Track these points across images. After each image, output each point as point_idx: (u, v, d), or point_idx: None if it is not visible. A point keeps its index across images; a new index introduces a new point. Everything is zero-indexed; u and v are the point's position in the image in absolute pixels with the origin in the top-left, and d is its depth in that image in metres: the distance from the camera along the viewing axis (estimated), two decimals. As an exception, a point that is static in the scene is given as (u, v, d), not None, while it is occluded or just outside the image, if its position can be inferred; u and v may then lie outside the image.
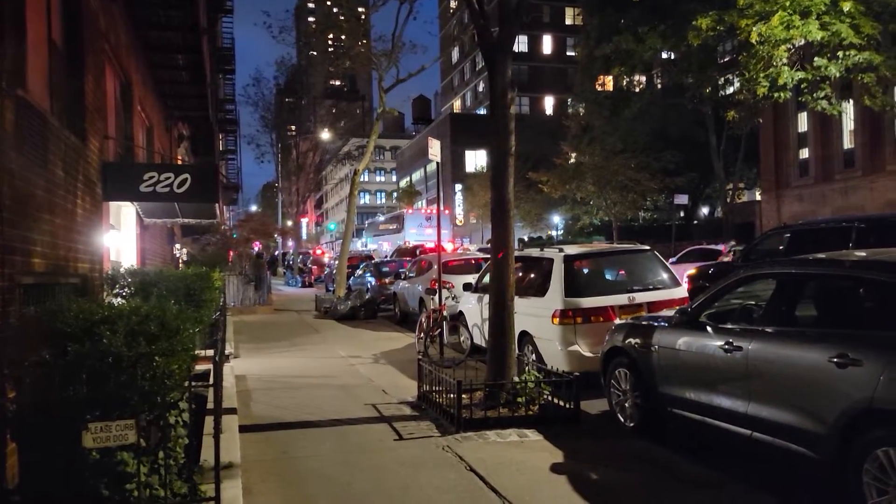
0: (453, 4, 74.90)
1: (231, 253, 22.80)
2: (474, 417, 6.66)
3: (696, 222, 44.33)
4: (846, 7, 13.73)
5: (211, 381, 5.21)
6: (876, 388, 4.09)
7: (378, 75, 20.78)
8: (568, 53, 62.77)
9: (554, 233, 41.96)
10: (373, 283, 19.81)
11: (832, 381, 4.36)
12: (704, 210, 47.57)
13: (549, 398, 7.11)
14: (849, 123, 25.30)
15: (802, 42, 15.65)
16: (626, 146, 31.21)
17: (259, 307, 20.71)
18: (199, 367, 5.79)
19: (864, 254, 5.55)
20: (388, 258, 26.51)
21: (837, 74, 15.13)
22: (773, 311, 5.34)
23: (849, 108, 23.16)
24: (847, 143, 26.09)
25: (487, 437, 6.26)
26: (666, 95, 35.29)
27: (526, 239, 39.51)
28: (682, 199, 32.26)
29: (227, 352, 10.23)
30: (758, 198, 33.91)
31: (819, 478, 4.59)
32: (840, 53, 14.77)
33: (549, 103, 68.03)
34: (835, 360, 4.34)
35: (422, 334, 11.15)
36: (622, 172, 30.41)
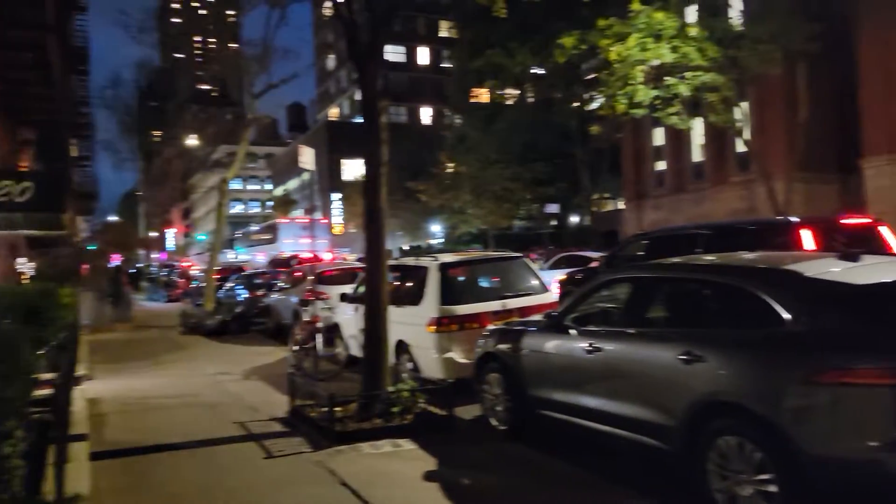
0: (327, 12, 74.21)
1: (85, 266, 21.15)
2: (347, 430, 6.56)
3: (566, 230, 46.46)
4: (692, 32, 14.98)
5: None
6: (717, 381, 4.44)
7: (248, 80, 20.13)
8: (443, 65, 63.86)
9: (433, 241, 42.48)
10: (245, 295, 19.09)
11: (680, 377, 4.67)
12: (575, 218, 49.96)
13: (425, 407, 7.13)
14: (698, 139, 27.51)
15: (657, 63, 16.89)
16: (500, 157, 32.21)
17: (118, 325, 19.34)
18: (44, 392, 5.30)
19: (707, 258, 6.02)
20: (262, 269, 25.66)
21: (687, 93, 16.45)
22: (628, 313, 5.67)
23: (698, 125, 25.20)
24: (697, 156, 28.34)
25: (361, 450, 6.18)
26: (537, 109, 36.81)
27: (406, 248, 39.72)
28: (553, 208, 33.75)
29: (78, 373, 9.46)
30: (621, 206, 36.05)
31: (673, 468, 4.88)
32: (689, 74, 16.07)
33: (426, 113, 68.88)
34: (682, 357, 4.64)
35: (296, 347, 10.86)
36: (497, 182, 31.35)
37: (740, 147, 22.80)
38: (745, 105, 22.70)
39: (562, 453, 5.92)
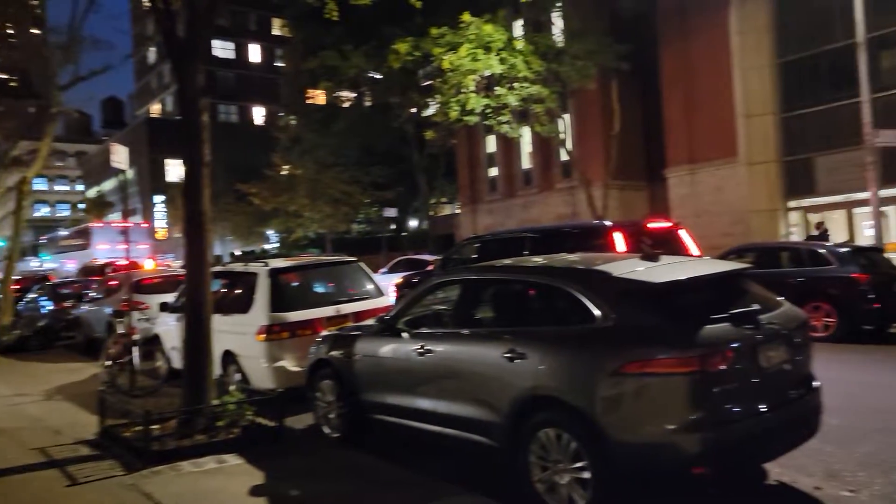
0: (145, 1, 69.17)
1: None
2: (166, 449, 6.10)
3: (405, 234, 46.98)
4: (519, 45, 15.79)
5: None
6: (537, 377, 4.67)
7: (52, 71, 18.18)
8: (277, 64, 61.99)
9: (268, 246, 41.05)
10: (49, 307, 17.23)
11: (505, 374, 4.86)
12: (413, 222, 50.64)
13: (253, 419, 6.82)
14: (527, 147, 29.05)
15: (488, 73, 17.62)
16: (337, 160, 31.86)
17: None
18: None
19: (528, 260, 6.32)
20: (71, 278, 23.32)
21: (515, 103, 17.31)
22: (458, 314, 5.81)
23: (527, 133, 26.60)
24: (526, 163, 29.90)
25: (181, 469, 5.77)
26: (375, 112, 36.87)
27: (238, 253, 37.98)
28: (391, 212, 33.93)
29: None
30: (458, 211, 37.11)
31: (500, 464, 5.05)
32: (516, 85, 16.92)
33: (259, 113, 66.46)
34: (507, 355, 4.83)
35: (109, 362, 9.96)
36: (334, 185, 30.98)
37: (564, 156, 24.36)
38: (567, 117, 24.31)
39: (395, 457, 5.92)
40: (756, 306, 4.54)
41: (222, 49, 62.80)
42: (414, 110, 28.97)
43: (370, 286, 9.30)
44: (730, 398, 4.16)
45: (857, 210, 18.96)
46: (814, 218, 20.41)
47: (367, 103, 38.08)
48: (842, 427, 5.83)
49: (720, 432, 4.10)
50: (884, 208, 16.58)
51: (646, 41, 22.51)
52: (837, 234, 19.77)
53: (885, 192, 16.35)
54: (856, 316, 11.17)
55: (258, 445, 6.31)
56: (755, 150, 20.63)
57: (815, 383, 4.82)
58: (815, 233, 15.49)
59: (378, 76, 30.24)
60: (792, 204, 20.84)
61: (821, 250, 12.25)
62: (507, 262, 6.18)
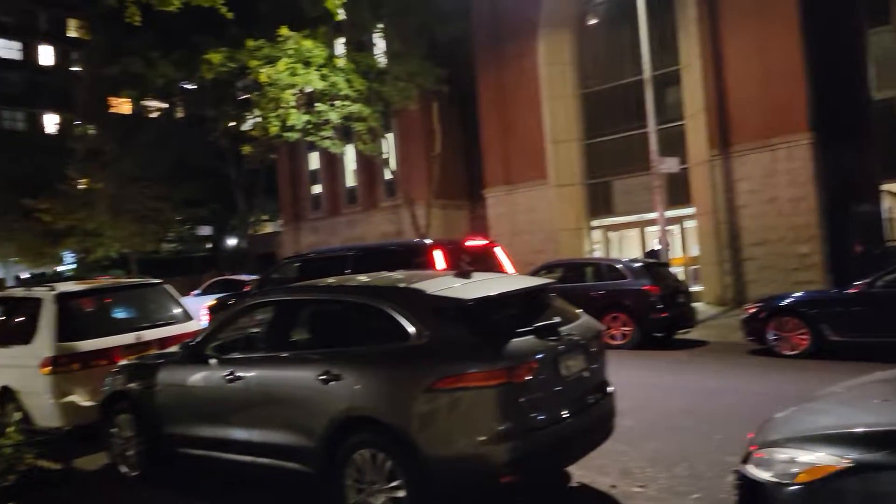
0: None
1: None
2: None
3: (222, 253, 44.69)
4: (340, 63, 15.73)
5: None
6: (353, 397, 4.59)
7: None
8: (74, 68, 56.44)
9: (62, 268, 37.00)
10: None
11: (320, 397, 4.72)
12: (232, 241, 48.36)
13: (34, 462, 6.02)
14: (351, 164, 28.99)
15: (309, 88, 17.34)
16: (144, 174, 29.55)
17: None
18: None
19: (343, 279, 6.24)
20: None
21: (337, 120, 17.19)
22: (271, 337, 5.57)
23: (352, 151, 26.53)
24: (350, 181, 29.82)
25: (-62, 530, 4.94)
26: (188, 124, 34.78)
27: (25, 276, 33.86)
28: (206, 231, 32.09)
29: None
30: (280, 229, 36.05)
31: (317, 492, 4.88)
32: (338, 102, 16.83)
33: (52, 121, 59.94)
34: (321, 377, 4.70)
35: None
36: (140, 201, 28.69)
37: (389, 175, 24.64)
38: (390, 136, 24.65)
39: (202, 493, 5.52)
40: (558, 319, 4.82)
41: (5, 49, 56.05)
42: (232, 124, 27.72)
43: (177, 310, 8.66)
44: (535, 407, 4.36)
45: (648, 228, 21.08)
46: (626, 233, 22.42)
47: (180, 114, 35.91)
48: (634, 427, 6.37)
49: (527, 440, 4.28)
50: (669, 227, 18.58)
51: (465, 66, 23.50)
52: (632, 251, 21.85)
53: (670, 213, 18.34)
54: (648, 324, 12.37)
55: (40, 491, 5.58)
56: (563, 173, 22.25)
57: (609, 388, 5.21)
58: (657, 247, 16.52)
59: (190, 86, 28.61)
60: (594, 223, 22.71)
61: (617, 265, 13.43)
62: (323, 281, 6.06)
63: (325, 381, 4.68)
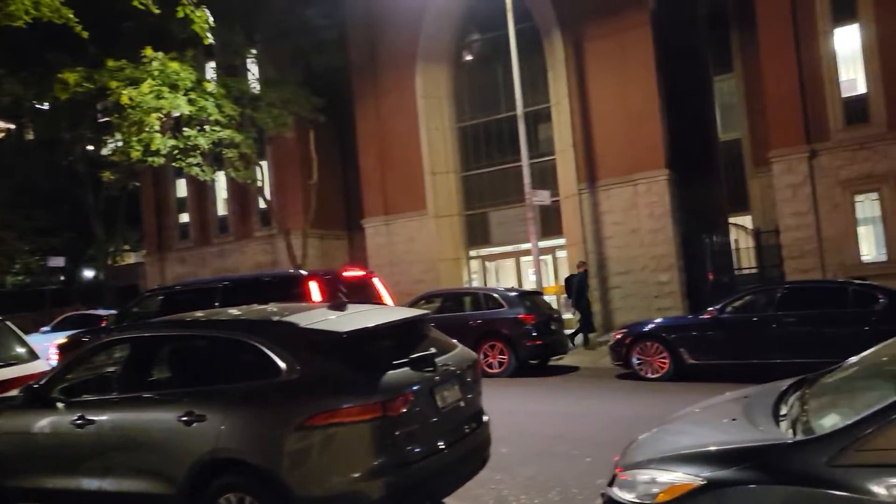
0: None
1: None
2: None
3: (78, 286, 41.32)
4: (210, 88, 15.14)
5: None
6: (218, 439, 4.31)
7: None
8: None
9: None
10: None
11: (181, 439, 4.41)
12: (89, 273, 44.85)
13: None
14: (223, 192, 27.87)
15: (176, 113, 16.54)
16: (-14, 200, 26.91)
17: None
18: None
19: (210, 313, 5.91)
20: None
21: (206, 146, 16.48)
22: (128, 377, 5.18)
23: (223, 178, 25.53)
24: (222, 210, 28.62)
25: None
26: (37, 147, 32.03)
27: None
28: (58, 262, 29.50)
29: None
30: (143, 260, 33.90)
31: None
32: (207, 127, 16.15)
33: None
34: (183, 418, 4.40)
35: None
36: (-20, 230, 26.05)
37: (262, 203, 23.95)
38: (265, 164, 23.99)
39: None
40: (433, 350, 4.80)
41: None
42: (90, 147, 25.87)
43: (20, 349, 7.86)
44: (411, 440, 4.29)
45: (523, 258, 21.77)
46: (503, 263, 22.96)
47: (30, 136, 33.09)
48: (509, 454, 6.45)
49: (403, 475, 4.19)
50: (543, 257, 19.29)
51: (343, 95, 23.43)
52: (507, 281, 22.46)
53: (544, 244, 19.07)
54: (523, 352, 12.69)
55: None
56: (441, 204, 22.59)
57: (485, 417, 5.24)
58: (579, 271, 16.81)
59: (43, 107, 26.45)
60: (473, 253, 23.16)
61: (494, 294, 13.74)
62: (188, 315, 5.70)
63: (188, 423, 4.38)
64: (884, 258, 16.26)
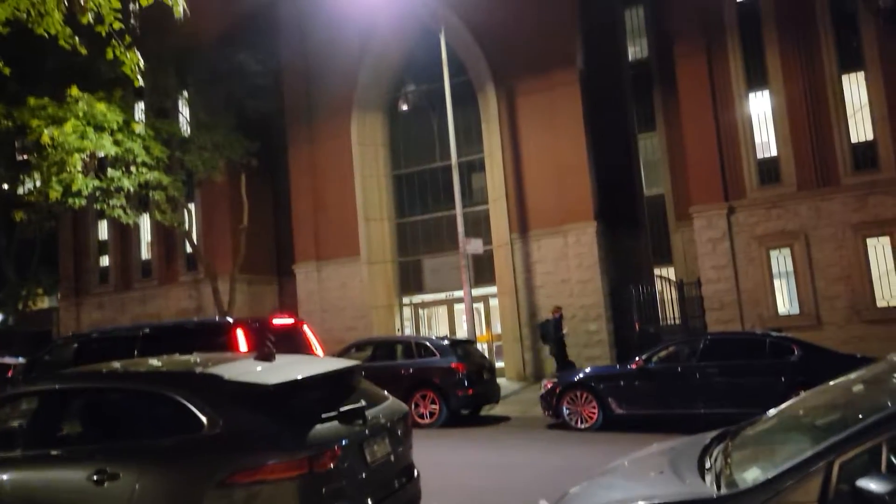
0: None
1: None
2: None
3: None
4: (138, 129, 14.76)
5: None
6: (132, 498, 4.05)
7: None
8: None
9: None
10: None
11: (93, 500, 4.13)
12: (-3, 318, 42.14)
13: None
14: (147, 235, 26.94)
15: (101, 153, 16.00)
16: None
17: None
18: None
19: (127, 364, 5.63)
20: None
21: (131, 188, 15.96)
22: (35, 432, 4.80)
23: (147, 221, 24.71)
24: (145, 253, 27.62)
25: None
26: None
27: None
28: (-37, 306, 27.67)
29: None
30: (58, 304, 32.15)
31: None
32: (134, 169, 15.67)
33: None
34: (94, 477, 4.12)
35: None
36: None
37: (189, 247, 23.27)
38: (193, 206, 23.41)
39: None
40: (363, 402, 4.69)
41: None
42: (5, 186, 24.58)
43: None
44: (339, 497, 4.15)
45: (456, 306, 21.82)
46: (436, 311, 22.87)
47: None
48: (441, 509, 6.31)
49: (331, 534, 4.03)
50: (475, 305, 19.39)
51: (277, 139, 23.27)
52: (441, 328, 22.42)
53: (476, 292, 19.19)
54: (455, 402, 12.58)
55: None
56: (374, 250, 22.50)
57: (415, 471, 5.13)
58: (550, 317, 16.76)
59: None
60: (405, 300, 23.05)
61: (426, 343, 13.65)
62: (104, 365, 5.41)
63: (99, 482, 4.11)
64: (797, 311, 17.12)
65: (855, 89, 17.11)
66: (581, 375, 11.81)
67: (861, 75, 16.98)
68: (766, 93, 17.87)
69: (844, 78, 17.11)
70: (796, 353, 10.60)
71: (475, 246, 17.78)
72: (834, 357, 10.68)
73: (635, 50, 23.25)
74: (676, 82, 18.98)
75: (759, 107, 18.05)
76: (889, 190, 16.22)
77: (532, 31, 19.61)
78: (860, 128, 17.00)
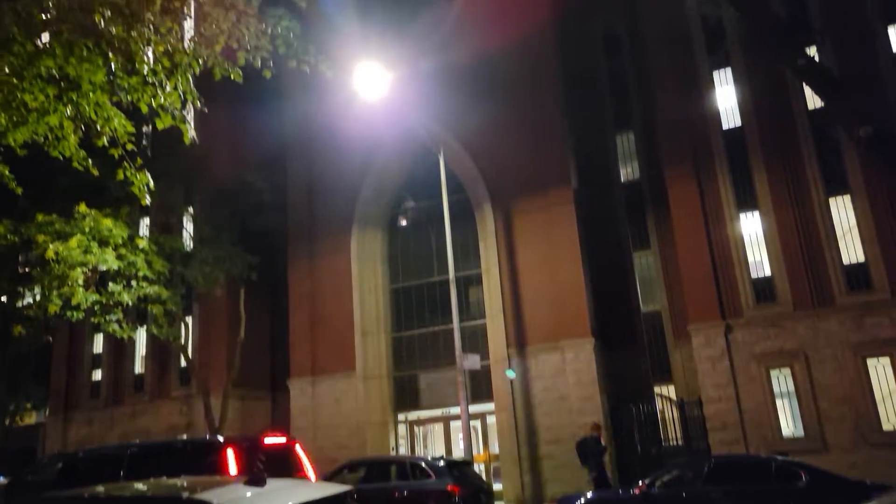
0: None
1: None
2: None
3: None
4: (142, 244, 15.04)
5: None
6: None
7: None
8: None
9: None
10: None
11: None
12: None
13: None
14: (142, 349, 26.67)
15: (102, 267, 16.19)
16: None
17: None
18: None
19: (117, 487, 5.43)
20: None
21: (131, 302, 16.02)
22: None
23: (143, 334, 24.56)
24: (139, 368, 27.22)
25: None
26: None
27: None
28: (-51, 420, 26.95)
29: None
30: (45, 420, 31.29)
31: None
32: (134, 283, 15.81)
33: None
34: None
35: None
36: None
37: (184, 361, 23.01)
38: (190, 320, 23.36)
39: None
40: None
41: None
42: (3, 299, 24.60)
43: None
44: None
45: (452, 423, 21.29)
46: (432, 428, 22.27)
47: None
48: None
49: None
50: (473, 422, 18.95)
51: (277, 253, 23.59)
52: (437, 447, 21.77)
53: (473, 408, 18.80)
54: (451, 527, 12.02)
55: None
56: (371, 364, 22.24)
57: None
58: (588, 434, 15.73)
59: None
60: (401, 417, 22.52)
61: (421, 464, 13.22)
62: (84, 491, 5.21)
63: None
64: (801, 433, 16.70)
65: (843, 212, 17.60)
66: (582, 500, 11.37)
67: (847, 199, 17.52)
68: (757, 214, 18.35)
69: (832, 201, 17.65)
70: (804, 478, 10.27)
71: (472, 361, 17.61)
72: (844, 484, 10.35)
73: (627, 171, 24.08)
74: (669, 203, 19.52)
75: (751, 227, 18.48)
76: (885, 310, 16.31)
77: (528, 154, 20.43)
78: (851, 249, 17.33)
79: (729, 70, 19.60)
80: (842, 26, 17.94)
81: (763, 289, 17.87)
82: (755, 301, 17.79)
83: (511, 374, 18.85)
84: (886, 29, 18.07)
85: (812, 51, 17.92)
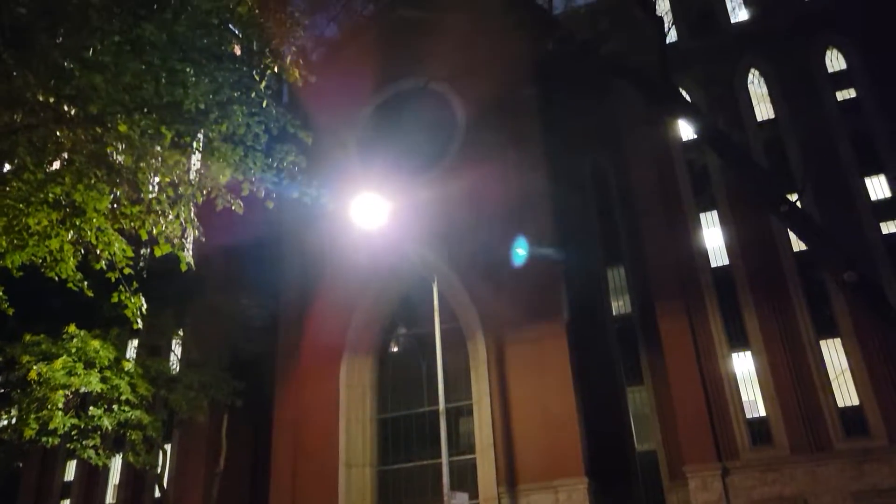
0: None
1: None
2: None
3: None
4: (128, 367, 14.74)
5: None
6: None
7: None
8: None
9: None
10: None
11: None
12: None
13: None
14: (115, 477, 25.38)
15: (84, 390, 15.74)
16: None
17: None
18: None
19: None
20: None
21: (110, 427, 15.46)
22: None
23: (117, 462, 23.49)
24: (110, 497, 25.79)
25: None
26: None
27: None
28: None
29: None
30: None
31: None
32: (115, 407, 15.32)
33: None
34: None
35: None
36: None
37: (158, 492, 21.83)
38: (169, 447, 22.43)
39: None
40: None
41: None
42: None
43: None
44: None
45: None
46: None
47: None
48: None
49: None
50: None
51: (263, 376, 23.07)
52: None
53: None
54: None
55: None
56: (354, 499, 21.13)
57: None
58: None
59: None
60: (383, 560, 21.15)
61: None
62: None
63: None
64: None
65: (835, 354, 17.59)
66: None
67: (838, 342, 17.56)
68: (749, 353, 18.30)
69: (822, 344, 17.68)
70: None
71: (461, 500, 16.78)
72: None
73: (619, 304, 24.21)
74: (660, 338, 19.49)
75: (744, 366, 18.38)
76: (883, 458, 15.90)
77: (520, 286, 20.61)
78: (845, 392, 17.16)
79: (715, 212, 20.27)
80: (822, 175, 18.78)
81: (759, 430, 17.49)
82: (751, 443, 17.35)
83: None
84: (863, 179, 18.93)
85: (794, 197, 18.63)
